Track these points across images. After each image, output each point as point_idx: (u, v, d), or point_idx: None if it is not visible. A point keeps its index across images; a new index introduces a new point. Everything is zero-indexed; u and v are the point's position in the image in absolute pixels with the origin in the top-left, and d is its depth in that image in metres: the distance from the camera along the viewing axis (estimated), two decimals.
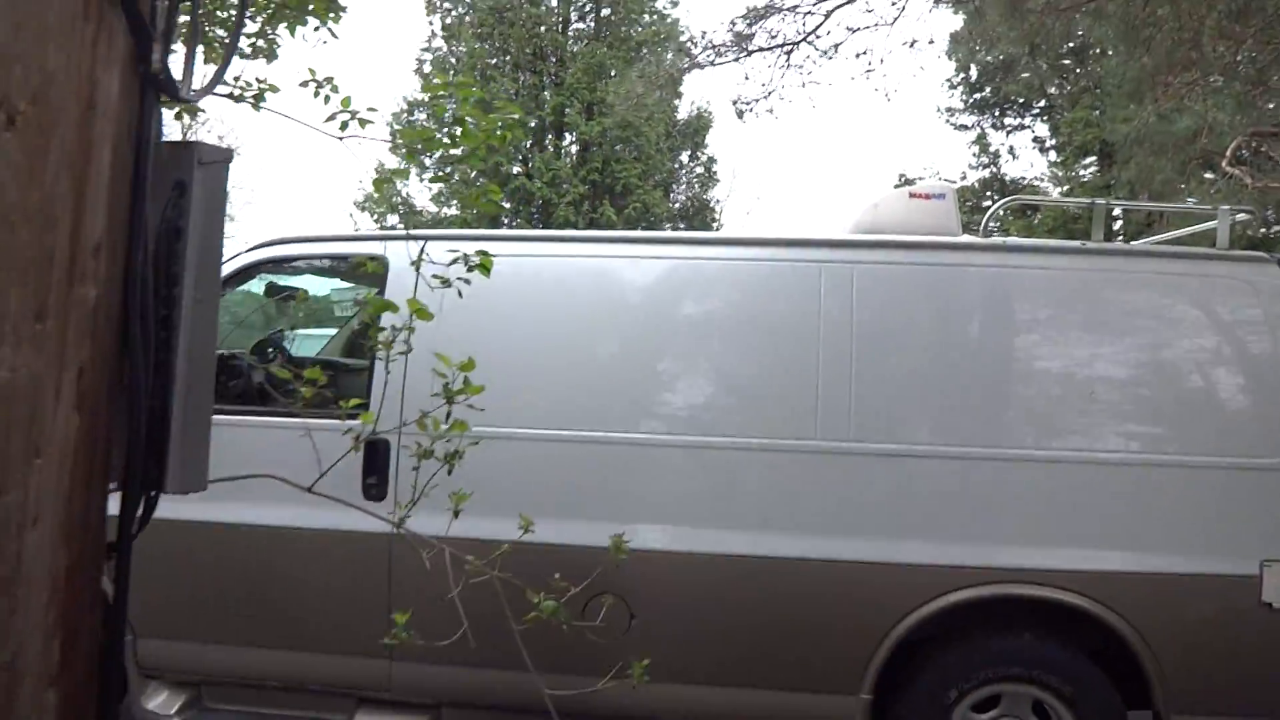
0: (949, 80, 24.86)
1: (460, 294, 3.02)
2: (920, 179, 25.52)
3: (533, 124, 22.37)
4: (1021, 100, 24.50)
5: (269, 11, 2.48)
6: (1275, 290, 3.46)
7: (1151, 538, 3.29)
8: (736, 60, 7.88)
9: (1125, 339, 3.49)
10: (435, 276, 2.93)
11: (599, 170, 21.90)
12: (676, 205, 24.95)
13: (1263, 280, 3.48)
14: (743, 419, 3.49)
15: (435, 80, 21.61)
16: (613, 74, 21.21)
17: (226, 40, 2.71)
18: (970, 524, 3.34)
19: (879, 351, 3.49)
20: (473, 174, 21.74)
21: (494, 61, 22.34)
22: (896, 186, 3.91)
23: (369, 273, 3.54)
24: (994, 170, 24.83)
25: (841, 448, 3.39)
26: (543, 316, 3.68)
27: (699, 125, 24.69)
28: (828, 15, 7.45)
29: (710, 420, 3.52)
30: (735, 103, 8.24)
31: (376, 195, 21.83)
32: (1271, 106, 7.20)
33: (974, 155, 25.40)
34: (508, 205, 21.91)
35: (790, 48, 7.65)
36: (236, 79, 2.53)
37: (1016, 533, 3.33)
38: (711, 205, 25.56)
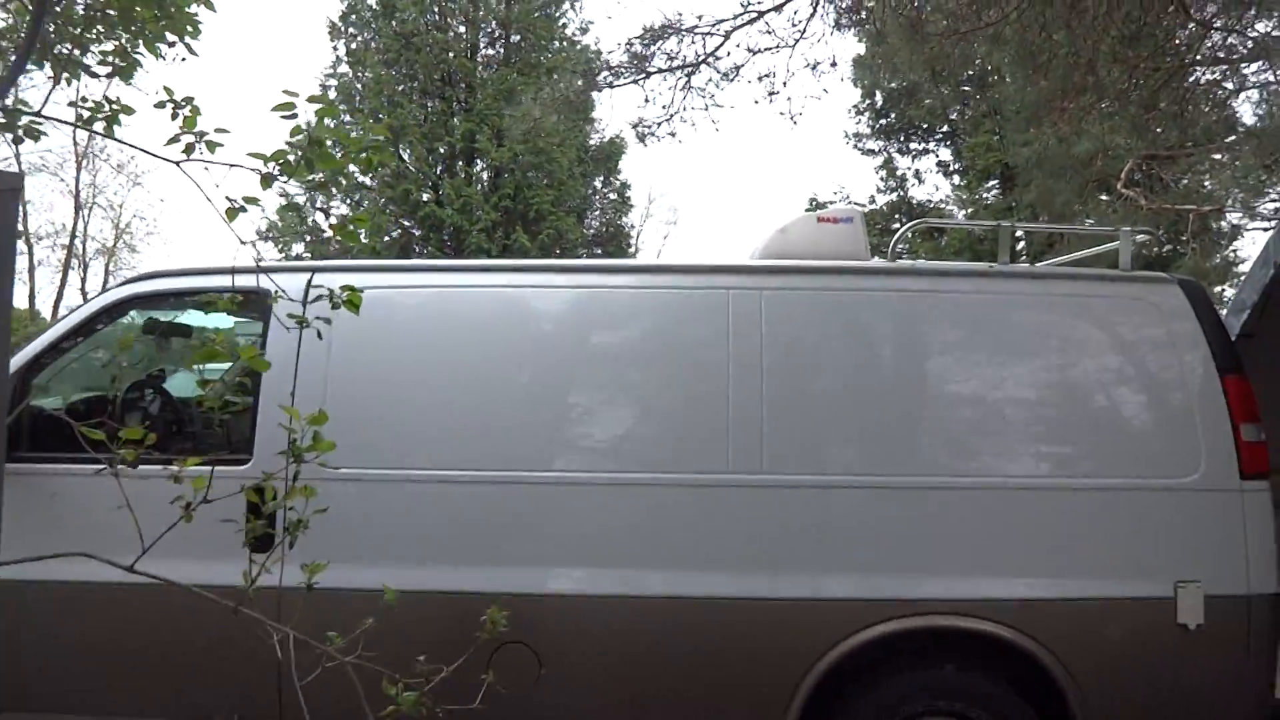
0: (855, 106, 25.59)
1: (320, 334, 2.82)
2: (831, 202, 26.07)
3: (442, 150, 22.21)
4: (925, 125, 25.34)
5: (122, 26, 2.26)
6: (1177, 310, 3.49)
7: (1068, 563, 3.27)
8: (635, 83, 7.84)
9: (1035, 361, 3.48)
10: (290, 316, 2.72)
11: (511, 197, 21.76)
12: (591, 231, 24.97)
13: (1165, 301, 3.51)
14: (652, 453, 3.37)
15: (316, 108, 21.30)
16: (523, 100, 21.06)
17: (83, 57, 2.48)
18: (888, 555, 3.27)
19: (789, 379, 3.42)
20: (381, 200, 21.43)
21: (401, 88, 22.11)
22: (807, 210, 3.87)
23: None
24: (901, 194, 25.56)
25: (754, 480, 3.30)
26: (440, 350, 3.52)
27: (611, 151, 24.80)
28: (726, 36, 7.42)
29: (618, 455, 3.39)
30: (636, 126, 8.21)
31: (281, 223, 21.31)
32: (1161, 130, 7.52)
33: (881, 179, 26.18)
34: (417, 232, 21.62)
35: (690, 69, 7.60)
36: (83, 100, 2.29)
37: (935, 563, 3.27)
38: (626, 230, 25.69)
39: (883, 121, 25.57)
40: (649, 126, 7.86)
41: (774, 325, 3.48)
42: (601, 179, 24.98)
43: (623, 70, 7.32)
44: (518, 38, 23.50)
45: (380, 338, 3.48)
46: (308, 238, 21.95)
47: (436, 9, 22.77)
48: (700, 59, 7.35)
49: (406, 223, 21.93)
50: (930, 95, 20.91)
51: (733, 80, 7.55)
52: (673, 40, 7.37)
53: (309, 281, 3.55)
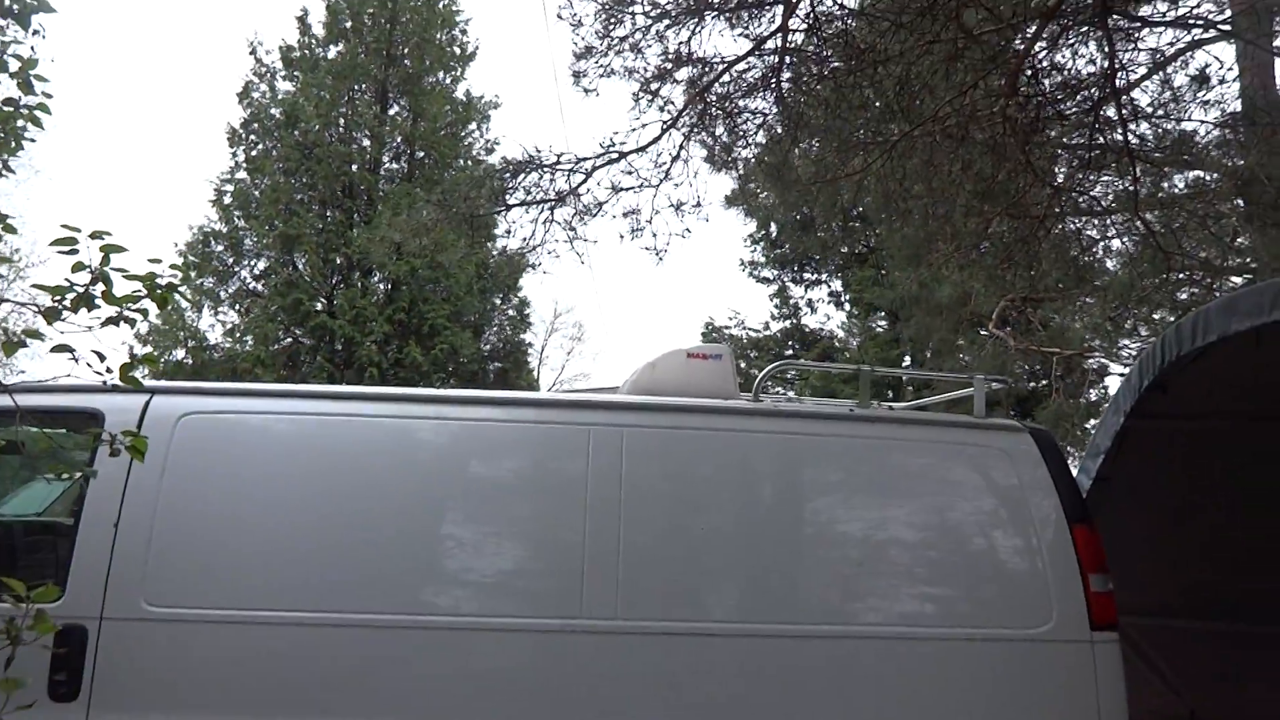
0: (751, 235, 26.57)
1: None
2: (726, 328, 26.70)
3: (339, 260, 21.99)
4: (818, 257, 26.50)
5: None
6: (1028, 458, 3.58)
7: (916, 718, 3.23)
8: (497, 213, 7.99)
9: (887, 508, 3.50)
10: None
11: (406, 310, 21.56)
12: (488, 347, 24.86)
13: (1016, 448, 3.60)
14: (504, 597, 3.24)
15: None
16: (425, 214, 21.16)
17: None
18: (752, 709, 3.15)
19: (649, 520, 3.35)
20: (272, 308, 20.95)
21: (300, 196, 21.95)
22: (693, 345, 3.89)
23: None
24: (794, 321, 26.42)
25: (608, 626, 3.17)
26: (276, 481, 3.33)
27: (511, 268, 24.93)
28: (588, 174, 7.60)
29: (461, 598, 3.24)
30: (501, 254, 8.28)
31: (162, 328, 20.57)
32: (1013, 279, 7.96)
33: (775, 306, 27.03)
34: (307, 342, 21.12)
35: (552, 204, 7.71)
36: None
37: (782, 716, 3.16)
38: (525, 347, 25.64)
39: (777, 251, 26.66)
40: (510, 257, 8.05)
41: (635, 464, 3.43)
42: (501, 296, 25.14)
43: (484, 202, 7.44)
44: (422, 154, 23.86)
45: (218, 464, 3.28)
46: (189, 343, 21.24)
47: (341, 122, 22.98)
48: (561, 195, 7.51)
49: (297, 331, 21.52)
50: (822, 229, 21.96)
51: (596, 216, 7.78)
52: (534, 175, 7.54)
53: (145, 405, 3.43)
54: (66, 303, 1.62)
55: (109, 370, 1.78)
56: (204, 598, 3.06)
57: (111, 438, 2.17)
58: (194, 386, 3.55)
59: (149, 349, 20.36)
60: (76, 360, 1.68)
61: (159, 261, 1.79)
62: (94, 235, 1.66)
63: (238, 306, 21.80)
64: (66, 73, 23.78)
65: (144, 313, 1.78)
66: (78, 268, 1.63)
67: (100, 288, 1.61)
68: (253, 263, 22.00)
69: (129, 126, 47.65)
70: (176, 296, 1.94)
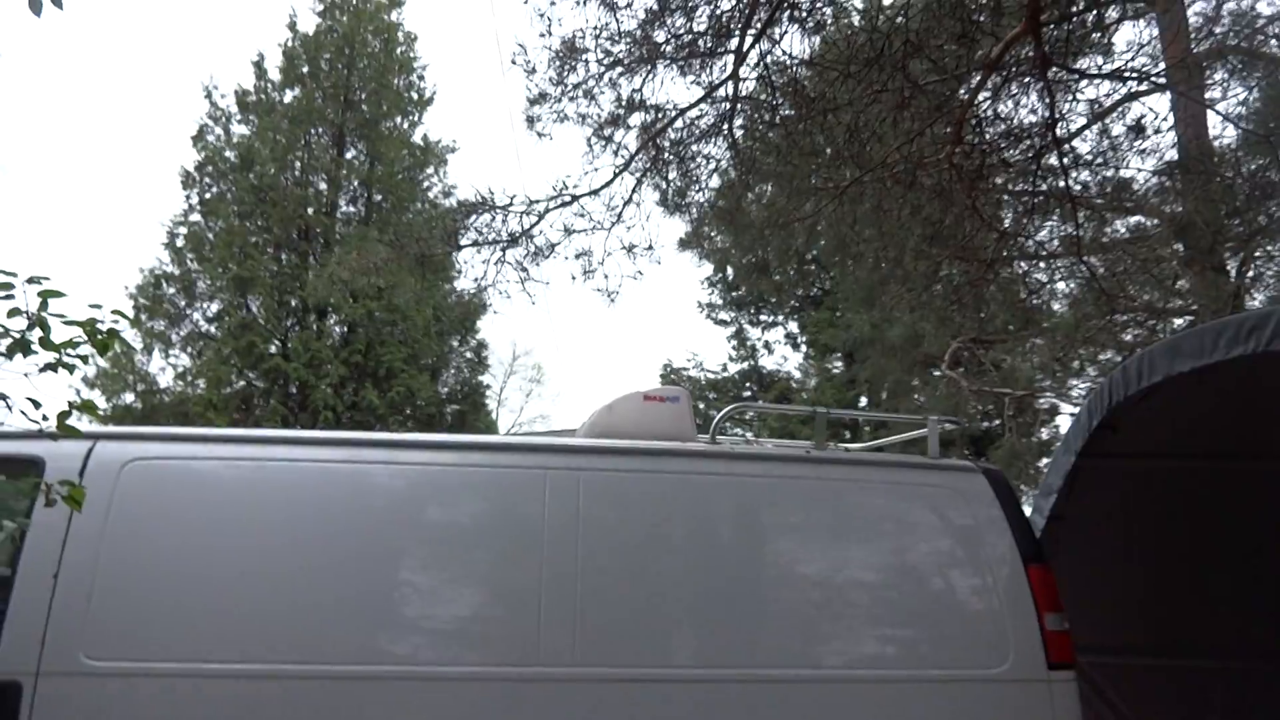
0: (708, 279, 26.77)
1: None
2: (684, 369, 26.78)
3: (294, 303, 21.75)
4: (774, 300, 26.77)
5: None
6: (982, 498, 3.61)
7: None
8: (449, 253, 8.00)
9: (845, 548, 3.51)
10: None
11: (362, 353, 21.37)
12: (445, 390, 24.65)
13: (970, 488, 3.64)
14: (461, 645, 3.18)
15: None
16: (378, 253, 21.04)
17: None
18: None
19: (607, 566, 3.32)
20: (225, 351, 20.61)
21: (255, 239, 21.73)
22: (649, 389, 3.88)
23: None
24: (752, 363, 26.57)
25: (566, 673, 3.12)
26: (227, 528, 3.23)
27: (469, 309, 24.87)
28: (541, 216, 7.65)
29: (422, 647, 3.18)
30: (455, 296, 8.30)
31: (113, 371, 20.13)
32: (960, 320, 8.11)
33: (733, 348, 27.20)
34: (261, 385, 20.78)
35: (504, 245, 7.77)
36: None
37: None
38: (483, 390, 25.45)
39: (734, 294, 26.89)
40: (460, 296, 8.05)
41: (592, 507, 3.41)
42: (458, 338, 25.01)
43: (436, 242, 7.45)
44: (379, 197, 23.79)
45: (164, 512, 3.19)
46: (139, 387, 20.80)
47: (298, 165, 22.86)
48: (514, 236, 7.54)
49: (250, 374, 21.17)
50: (777, 272, 22.25)
51: (548, 257, 7.80)
52: (487, 216, 7.56)
53: (89, 451, 3.32)
54: (1, 349, 1.56)
55: (45, 418, 1.71)
56: (147, 650, 2.95)
57: (48, 487, 2.08)
58: (141, 432, 3.45)
59: (96, 393, 19.95)
60: (10, 408, 1.63)
61: (99, 307, 1.75)
62: (31, 280, 1.61)
63: (189, 349, 21.47)
64: (15, 112, 23.45)
65: (84, 359, 1.72)
66: (13, 313, 1.58)
67: (38, 333, 1.56)
68: (206, 305, 21.66)
69: (81, 170, 47.03)
70: (125, 339, 1.89)
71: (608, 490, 3.47)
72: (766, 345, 27.05)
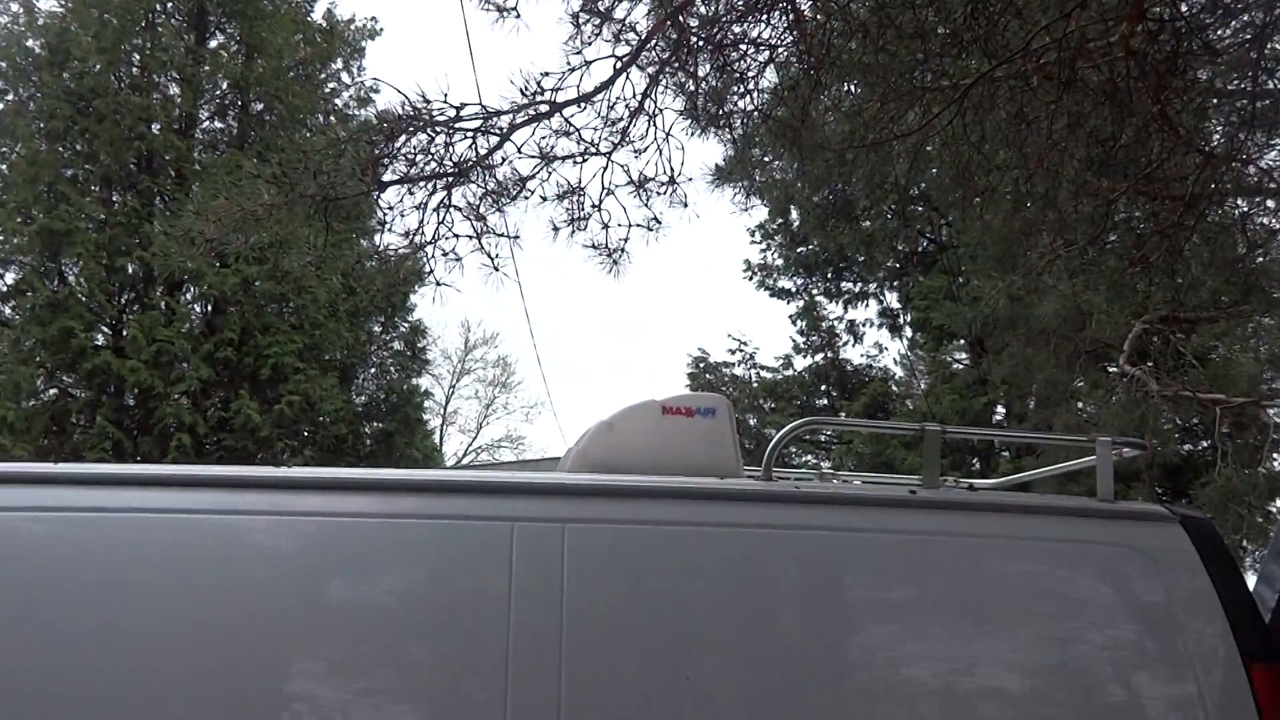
0: (761, 227, 26.48)
1: None
2: (726, 364, 26.70)
3: (131, 269, 21.78)
4: (861, 259, 26.25)
5: None
6: (1181, 560, 3.56)
7: None
8: (366, 194, 7.80)
9: (979, 633, 3.48)
10: None
11: (235, 344, 21.48)
12: (363, 400, 24.67)
13: (1163, 546, 3.58)
14: None
15: None
16: (259, 195, 20.94)
17: None
18: None
19: (605, 665, 3.31)
20: (26, 344, 20.73)
21: (71, 173, 21.82)
22: (667, 396, 3.89)
23: None
24: (829, 355, 26.33)
25: None
26: (49, 613, 3.24)
27: (397, 278, 24.80)
28: (504, 136, 7.57)
29: None
30: (371, 258, 8.18)
31: None
32: (1146, 289, 7.98)
33: (800, 333, 27.04)
34: (81, 395, 20.88)
35: (449, 179, 7.61)
36: None
37: None
38: (419, 399, 25.48)
39: (800, 250, 26.55)
40: (383, 257, 7.88)
41: (582, 577, 3.41)
42: (381, 321, 25.01)
43: (346, 177, 7.30)
44: (260, 105, 23.81)
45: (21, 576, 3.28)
46: None
47: (136, 59, 22.91)
48: (463, 167, 7.43)
49: (66, 378, 21.24)
50: (866, 216, 22.00)
51: (516, 198, 7.67)
52: (422, 137, 7.43)
53: None
54: None
55: None
56: None
57: None
58: None
59: None
60: None
61: None
62: None
63: None
64: None
65: None
66: None
67: None
68: None
69: None
70: None
71: (607, 551, 3.46)
72: (851, 328, 26.97)
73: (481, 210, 7.77)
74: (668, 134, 7.77)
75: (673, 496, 3.61)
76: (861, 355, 26.42)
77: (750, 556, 3.55)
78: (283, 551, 3.47)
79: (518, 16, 7.28)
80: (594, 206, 7.88)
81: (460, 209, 7.75)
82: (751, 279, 27.16)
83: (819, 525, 3.62)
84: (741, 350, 27.19)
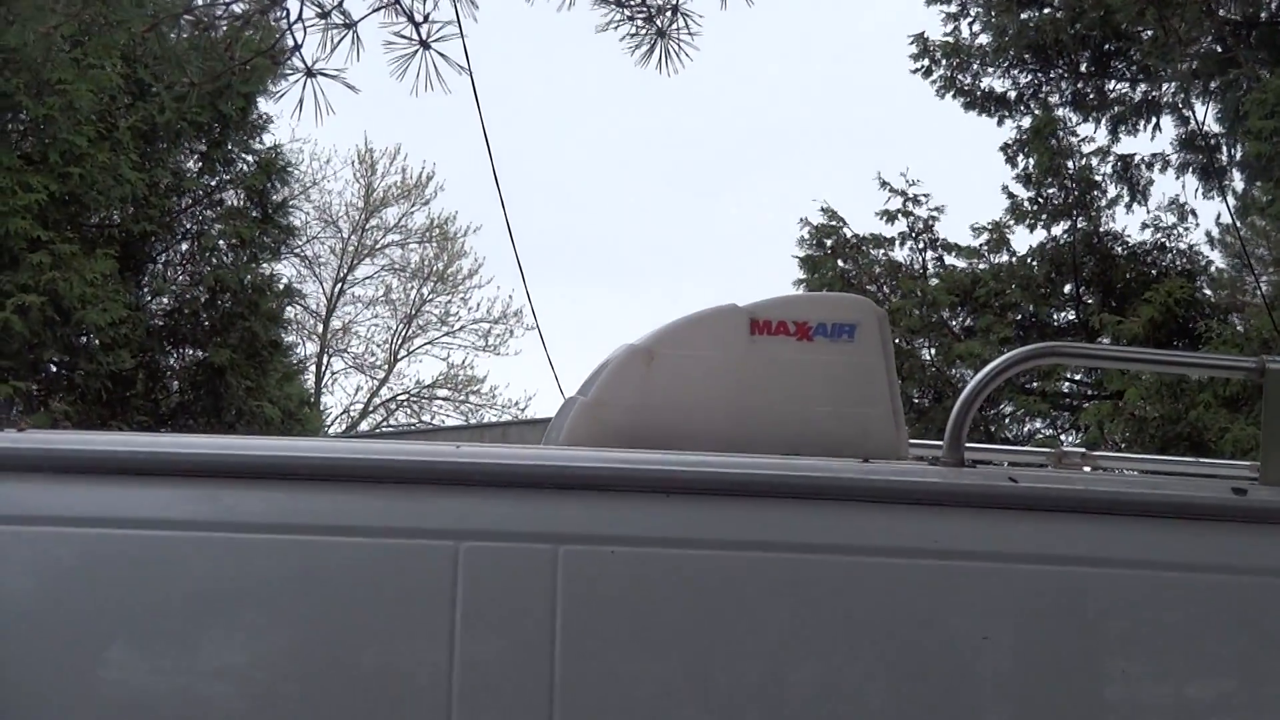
0: None
1: None
2: (877, 238, 26.73)
3: None
4: (1148, 32, 25.31)
5: None
6: None
7: None
8: None
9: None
10: None
11: None
12: (165, 304, 25.09)
13: None
14: None
15: None
16: None
17: None
18: None
19: None
20: None
21: None
22: (741, 302, 3.91)
23: None
24: (1082, 220, 25.65)
25: None
26: None
27: (236, 63, 25.19)
28: None
29: None
30: (189, 19, 8.37)
31: None
32: None
33: (1022, 176, 25.28)
34: None
35: None
36: None
37: None
38: (273, 300, 25.87)
39: (1026, 17, 25.40)
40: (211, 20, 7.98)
41: (581, 623, 3.83)
42: (201, 151, 25.28)
43: None
44: None
45: None
46: None
47: None
48: None
49: None
50: None
51: None
52: None
53: None
54: None
55: None
56: None
57: None
58: None
59: None
60: None
61: None
62: None
63: None
64: None
65: None
66: None
67: None
68: None
69: None
70: None
71: (635, 595, 3.77)
72: (1123, 169, 26.14)
73: None
74: None
75: (775, 494, 3.91)
76: (1144, 225, 24.62)
77: (931, 615, 3.79)
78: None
79: None
80: None
81: None
82: (928, 75, 23.47)
83: (1069, 555, 3.87)
84: (907, 208, 24.88)
